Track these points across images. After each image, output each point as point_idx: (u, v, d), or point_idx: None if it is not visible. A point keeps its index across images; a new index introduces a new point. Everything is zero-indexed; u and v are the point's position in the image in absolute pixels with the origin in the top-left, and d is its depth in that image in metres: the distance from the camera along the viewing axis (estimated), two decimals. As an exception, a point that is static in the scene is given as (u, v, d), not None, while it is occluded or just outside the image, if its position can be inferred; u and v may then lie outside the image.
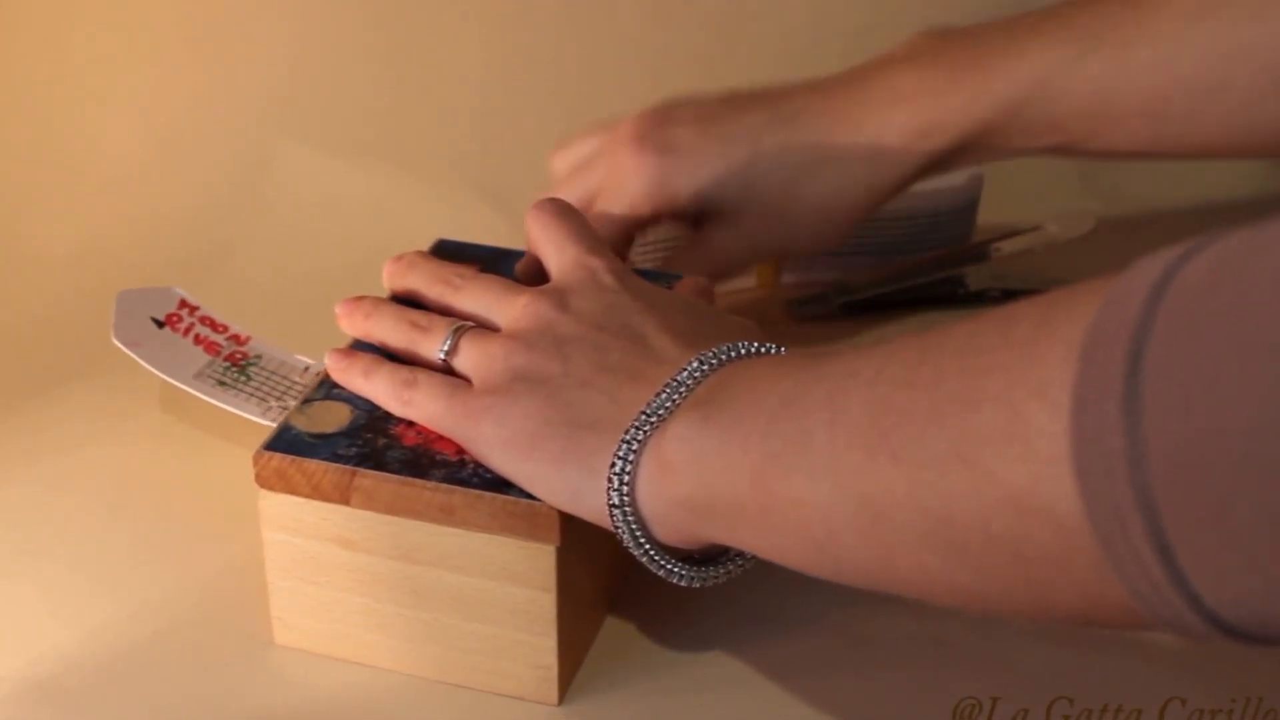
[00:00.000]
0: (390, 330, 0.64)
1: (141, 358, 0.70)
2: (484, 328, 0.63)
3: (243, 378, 0.70)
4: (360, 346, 0.65)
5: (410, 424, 0.61)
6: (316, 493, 0.59)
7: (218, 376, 0.70)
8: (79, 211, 0.93)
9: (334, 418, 0.62)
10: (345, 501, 0.59)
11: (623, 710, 0.61)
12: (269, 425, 0.64)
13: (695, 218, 0.79)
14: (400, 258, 0.68)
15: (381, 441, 0.60)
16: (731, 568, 0.58)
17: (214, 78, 1.00)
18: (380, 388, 0.62)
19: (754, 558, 0.57)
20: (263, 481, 0.60)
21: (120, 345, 0.70)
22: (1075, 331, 0.41)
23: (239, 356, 0.71)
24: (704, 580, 0.58)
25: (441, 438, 0.60)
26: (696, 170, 0.77)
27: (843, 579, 0.51)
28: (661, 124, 0.78)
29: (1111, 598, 0.41)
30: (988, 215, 0.92)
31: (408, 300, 0.67)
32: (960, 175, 0.92)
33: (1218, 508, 0.37)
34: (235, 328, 0.74)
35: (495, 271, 0.67)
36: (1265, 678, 0.61)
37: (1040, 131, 0.77)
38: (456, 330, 0.62)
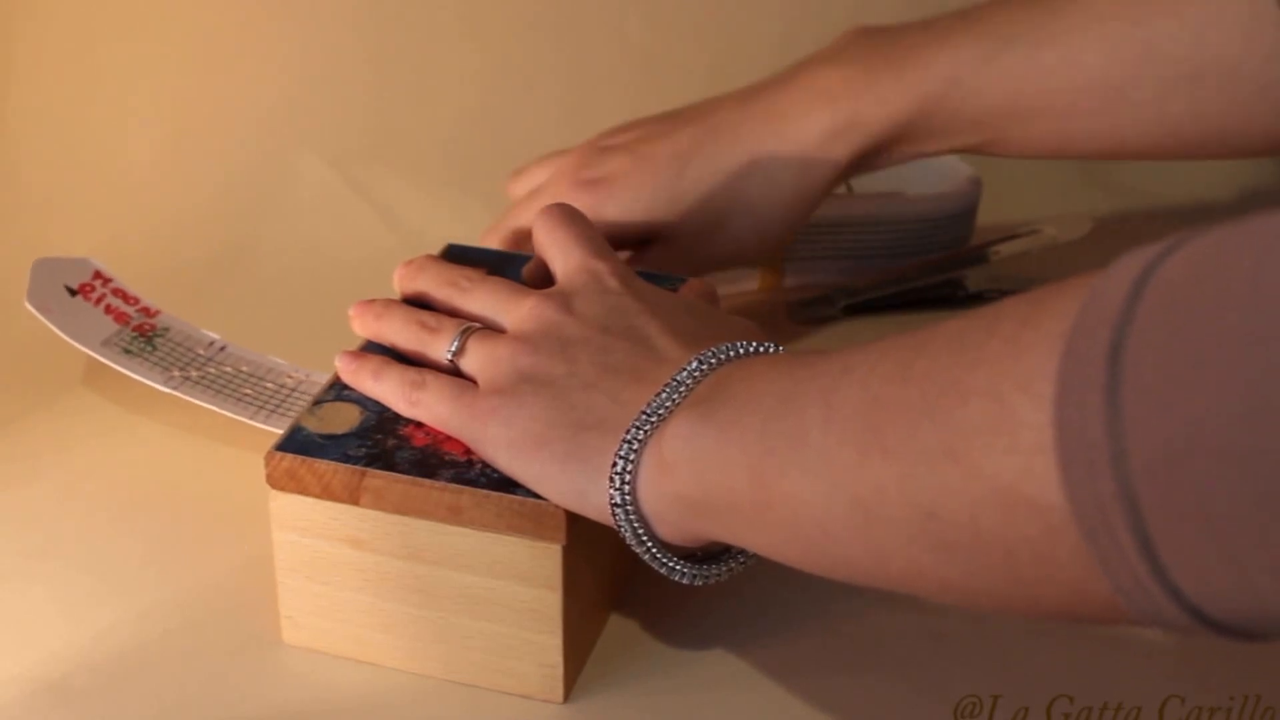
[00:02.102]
0: (400, 331, 0.65)
1: (51, 322, 0.72)
2: (492, 329, 0.63)
3: (149, 347, 0.72)
4: (371, 348, 0.66)
5: (419, 425, 0.62)
6: (326, 493, 0.60)
7: (124, 345, 0.73)
8: (95, 216, 0.93)
9: (344, 419, 0.62)
10: (355, 501, 0.59)
11: (627, 708, 0.61)
12: (171, 393, 0.67)
13: (638, 242, 0.80)
14: (411, 261, 0.69)
15: (391, 442, 0.61)
16: (733, 565, 0.59)
17: (228, 86, 1.00)
18: (389, 389, 0.63)
19: (755, 555, 0.57)
20: (274, 482, 0.60)
21: (31, 309, 0.72)
22: (1059, 326, 0.41)
23: (147, 328, 0.74)
24: (706, 578, 0.58)
25: (450, 438, 0.61)
26: (627, 199, 0.78)
27: (838, 575, 0.52)
28: (595, 157, 0.80)
29: (1096, 592, 0.41)
30: (986, 218, 0.93)
31: (418, 303, 0.67)
32: (959, 179, 0.92)
33: (1197, 500, 0.38)
34: (146, 301, 0.76)
35: (503, 275, 0.67)
36: (1263, 676, 0.61)
37: (957, 129, 0.78)
38: (464, 332, 0.63)
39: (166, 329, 0.75)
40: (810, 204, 0.80)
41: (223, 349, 0.75)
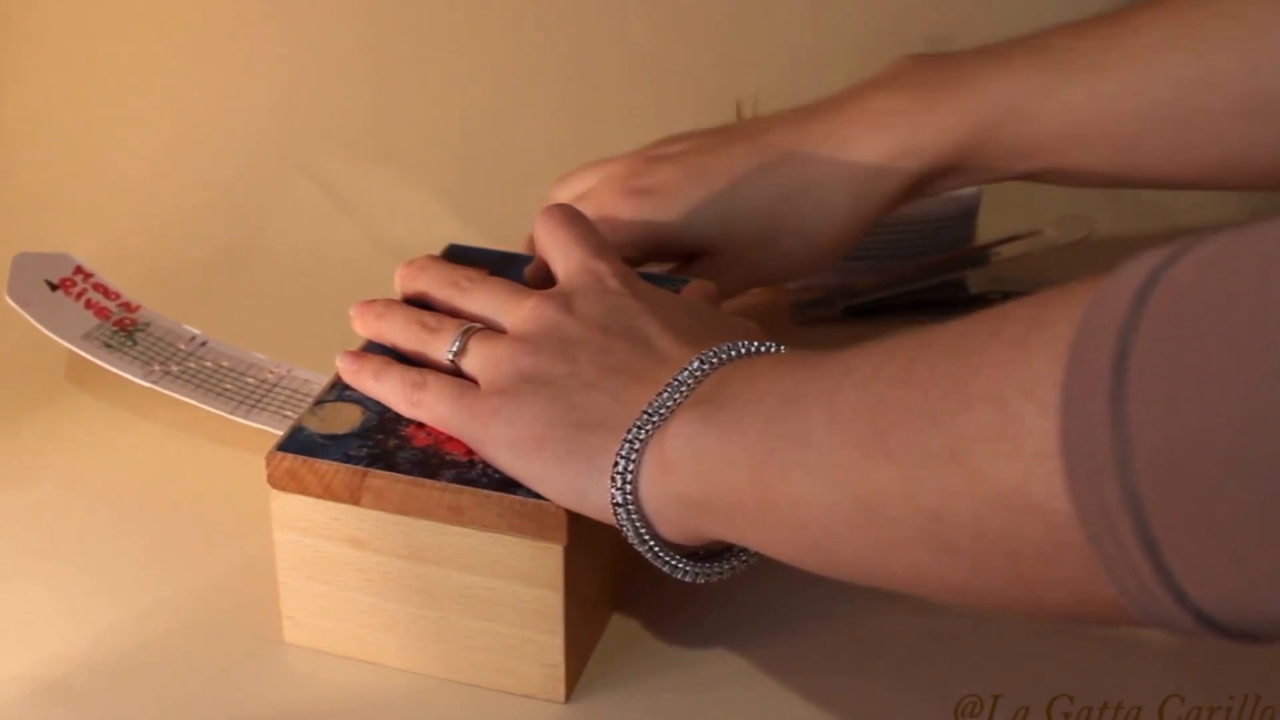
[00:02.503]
0: (401, 331, 0.65)
1: (32, 316, 0.73)
2: (493, 330, 0.63)
3: (129, 342, 0.72)
4: (372, 349, 0.66)
5: (420, 425, 0.62)
6: (328, 493, 0.60)
7: (105, 339, 0.73)
8: (94, 217, 0.93)
9: (345, 419, 0.62)
10: (356, 501, 0.60)
11: (629, 707, 0.62)
12: (150, 387, 0.68)
13: (686, 255, 0.80)
14: (412, 261, 0.69)
15: (392, 442, 0.61)
16: (735, 563, 0.59)
17: (228, 86, 1.00)
18: (390, 389, 0.63)
19: (757, 554, 0.57)
20: (275, 482, 0.61)
21: (12, 303, 0.73)
22: (1064, 330, 0.41)
23: (128, 323, 0.74)
24: (708, 576, 0.58)
25: (451, 439, 0.61)
26: (677, 211, 0.78)
27: (840, 575, 0.52)
28: (646, 166, 0.79)
29: (1101, 594, 0.42)
30: (988, 220, 0.93)
31: (420, 303, 0.67)
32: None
33: (1202, 505, 0.38)
34: (127, 296, 0.76)
35: (504, 275, 0.67)
36: (1263, 675, 0.61)
37: (1016, 156, 0.77)
38: (465, 332, 0.63)
39: (147, 324, 0.75)
40: (862, 228, 0.79)
41: (204, 344, 0.75)
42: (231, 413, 0.71)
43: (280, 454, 0.60)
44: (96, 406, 0.80)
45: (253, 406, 0.71)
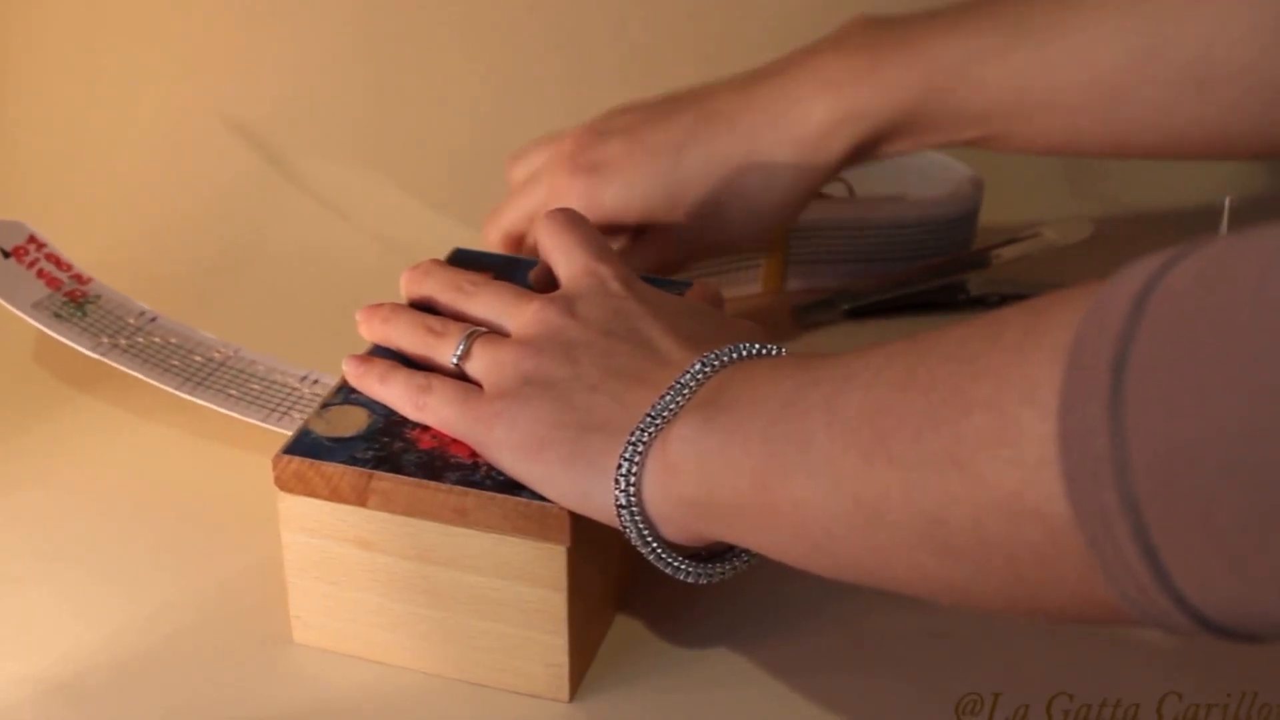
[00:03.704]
0: (406, 335, 0.65)
1: None
2: (497, 333, 0.64)
3: (79, 313, 0.73)
4: (378, 352, 0.66)
5: (426, 428, 0.62)
6: (334, 495, 0.60)
7: (55, 309, 0.73)
8: (99, 222, 0.93)
9: (351, 422, 0.63)
10: (362, 503, 0.60)
11: (632, 706, 0.62)
12: (99, 359, 0.69)
13: (635, 229, 0.80)
14: (417, 266, 0.69)
15: (398, 445, 0.61)
16: (737, 564, 0.59)
17: (231, 91, 1.00)
18: (395, 393, 0.63)
19: (757, 554, 0.58)
20: (282, 484, 0.61)
21: None
22: (1062, 336, 0.42)
23: (78, 294, 0.74)
24: (710, 577, 0.59)
25: (456, 441, 0.61)
26: (623, 186, 0.78)
27: (841, 576, 0.52)
28: (593, 141, 0.80)
29: (1100, 597, 0.42)
30: (987, 222, 0.93)
31: (425, 307, 0.68)
32: (961, 183, 0.93)
33: (1200, 509, 0.38)
34: (79, 268, 0.76)
35: (509, 279, 0.67)
36: (1260, 673, 0.62)
37: (963, 121, 0.77)
38: (469, 335, 0.63)
39: (98, 296, 0.75)
40: (808, 193, 0.79)
41: (153, 320, 0.75)
42: (178, 389, 0.71)
43: (287, 457, 0.61)
44: (104, 410, 0.80)
45: (198, 384, 0.71)
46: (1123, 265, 0.42)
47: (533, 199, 0.81)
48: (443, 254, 0.74)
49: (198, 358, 0.74)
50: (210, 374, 0.73)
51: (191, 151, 0.99)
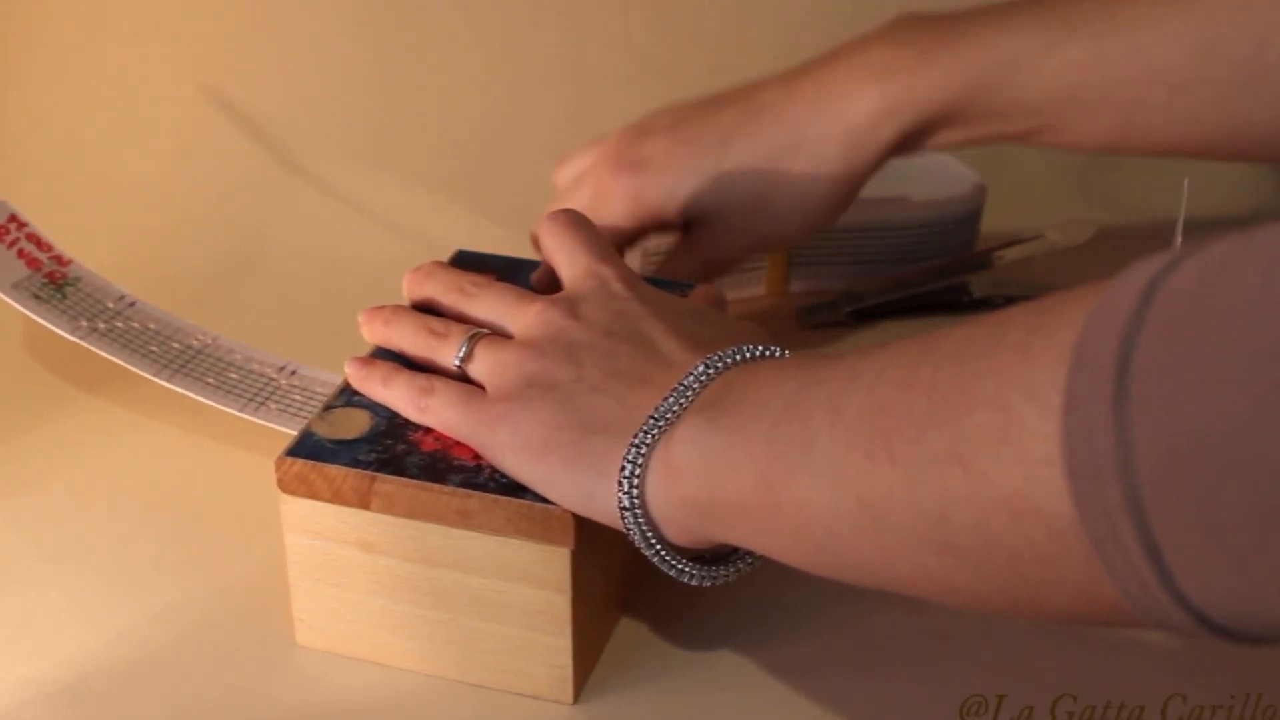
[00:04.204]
0: (408, 336, 0.65)
1: None
2: (499, 335, 0.64)
3: (58, 295, 0.73)
4: (380, 354, 0.66)
5: (428, 430, 0.62)
6: (337, 497, 0.60)
7: (34, 290, 0.73)
8: (103, 223, 0.94)
9: (354, 424, 0.63)
10: (365, 506, 0.60)
11: (636, 708, 0.62)
12: (78, 342, 0.69)
13: (683, 224, 0.80)
14: (419, 267, 0.69)
15: (400, 447, 0.61)
16: (741, 566, 0.59)
17: (235, 91, 1.00)
18: (398, 395, 0.63)
19: (761, 556, 0.57)
20: (284, 486, 0.61)
21: None
22: (1067, 335, 0.42)
23: (58, 276, 0.74)
24: (713, 579, 0.59)
25: (459, 443, 0.61)
26: (669, 181, 0.78)
27: (844, 577, 0.52)
28: (637, 139, 0.79)
29: (1103, 596, 0.42)
30: (990, 224, 0.93)
31: (427, 309, 0.68)
32: (964, 185, 0.93)
33: (1203, 509, 0.38)
34: (59, 249, 0.76)
35: (511, 281, 0.67)
36: (1264, 674, 0.62)
37: (1012, 114, 0.76)
38: (472, 337, 0.63)
39: (77, 279, 0.75)
40: (856, 184, 0.79)
41: (132, 304, 0.75)
42: (155, 375, 0.71)
43: (290, 459, 0.61)
44: (108, 411, 0.80)
45: (176, 371, 0.72)
46: (1127, 265, 0.42)
47: (579, 201, 0.80)
48: (450, 254, 0.74)
49: (176, 344, 0.74)
50: (188, 361, 0.73)
51: (197, 152, 1.00)
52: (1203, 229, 0.42)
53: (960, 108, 0.76)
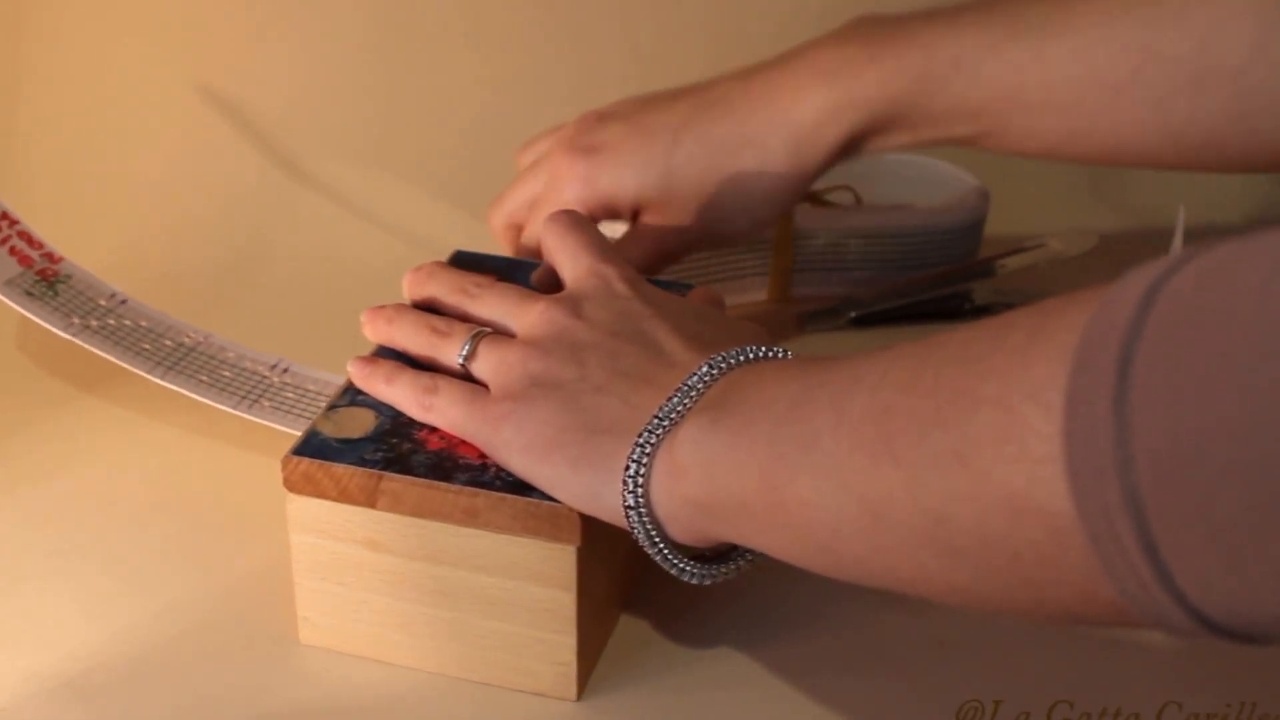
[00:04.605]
0: (411, 335, 0.66)
1: None
2: (502, 334, 0.64)
3: (50, 292, 0.73)
4: (383, 353, 0.66)
5: (434, 429, 0.62)
6: (343, 496, 0.60)
7: (26, 287, 0.73)
8: (108, 223, 0.94)
9: (359, 423, 0.63)
10: (371, 504, 0.60)
11: (639, 705, 0.62)
12: (70, 339, 0.69)
13: (632, 213, 0.80)
14: (420, 267, 0.69)
15: (406, 446, 0.62)
16: (741, 564, 0.59)
17: (238, 93, 1.00)
18: (402, 394, 0.63)
19: (759, 554, 0.58)
20: (290, 485, 0.61)
21: None
22: (1068, 336, 0.42)
23: (50, 273, 0.74)
24: (712, 577, 0.59)
25: (464, 442, 0.61)
26: (619, 167, 0.78)
27: (846, 577, 0.52)
28: (594, 125, 0.80)
29: (1102, 596, 0.42)
30: (993, 232, 0.93)
31: (429, 308, 0.68)
32: (967, 192, 0.93)
33: (1201, 508, 0.38)
34: (50, 247, 0.76)
35: (511, 281, 0.68)
36: (1260, 681, 0.62)
37: (955, 117, 0.77)
38: (475, 336, 0.63)
39: (69, 276, 0.75)
40: (802, 183, 0.79)
41: (123, 302, 0.75)
42: (149, 373, 0.71)
43: (296, 458, 0.61)
44: (113, 409, 0.81)
45: (169, 369, 0.72)
46: (1128, 269, 0.42)
47: (535, 184, 0.81)
48: (449, 254, 0.75)
49: (168, 342, 0.74)
50: (181, 359, 0.73)
51: (200, 153, 1.00)
52: (1203, 235, 0.43)
53: (903, 109, 0.77)
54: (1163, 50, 0.72)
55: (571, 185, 0.78)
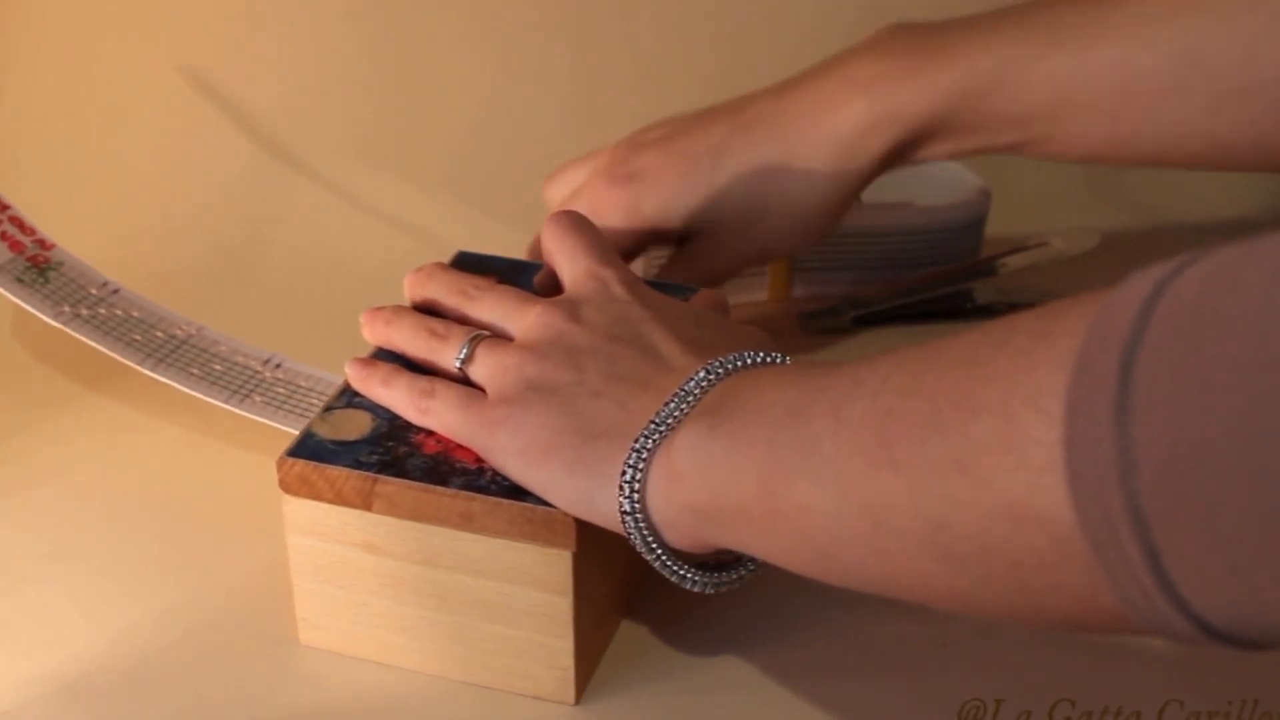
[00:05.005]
0: (409, 338, 0.66)
1: None
2: (501, 337, 0.64)
3: (41, 279, 0.72)
4: (382, 356, 0.66)
5: (430, 432, 0.62)
6: (339, 498, 0.60)
7: (17, 274, 0.72)
8: (103, 221, 0.94)
9: (355, 426, 0.63)
10: (367, 507, 0.60)
11: (637, 710, 0.62)
12: (60, 328, 0.68)
13: (680, 237, 0.80)
14: (420, 269, 0.69)
15: (402, 449, 0.61)
16: (743, 573, 0.59)
17: (235, 90, 1.00)
18: (399, 397, 0.63)
19: (763, 563, 0.58)
20: (286, 487, 0.61)
21: None
22: (1069, 342, 0.42)
23: (41, 260, 0.74)
24: (716, 586, 0.58)
25: (461, 446, 0.61)
26: (663, 194, 0.78)
27: (845, 583, 0.52)
28: (630, 153, 0.80)
29: (1104, 604, 0.42)
30: (995, 231, 0.93)
31: (429, 310, 0.68)
32: (968, 191, 0.93)
33: (1204, 516, 0.38)
34: (43, 233, 0.75)
35: (513, 283, 0.68)
36: (1261, 680, 0.62)
37: (1000, 125, 0.76)
38: (473, 339, 0.63)
39: (60, 263, 0.75)
40: (849, 195, 0.79)
41: (115, 291, 0.75)
42: (139, 364, 0.71)
43: (291, 460, 0.61)
44: (112, 409, 0.81)
45: (159, 361, 0.71)
46: (1130, 273, 0.42)
47: None
48: (451, 253, 0.74)
49: (159, 333, 0.73)
50: (172, 351, 0.72)
51: (198, 149, 1.00)
52: (1211, 234, 0.43)
53: (947, 120, 0.77)
54: (1208, 58, 0.71)
55: (614, 215, 0.78)
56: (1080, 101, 0.75)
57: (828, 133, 0.77)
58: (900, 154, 0.79)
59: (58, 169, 0.96)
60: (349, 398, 0.65)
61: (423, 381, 0.63)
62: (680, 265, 0.80)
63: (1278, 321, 0.37)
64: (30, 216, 0.77)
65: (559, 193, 0.84)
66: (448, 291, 0.67)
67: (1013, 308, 0.87)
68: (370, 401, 0.65)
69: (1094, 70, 0.74)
